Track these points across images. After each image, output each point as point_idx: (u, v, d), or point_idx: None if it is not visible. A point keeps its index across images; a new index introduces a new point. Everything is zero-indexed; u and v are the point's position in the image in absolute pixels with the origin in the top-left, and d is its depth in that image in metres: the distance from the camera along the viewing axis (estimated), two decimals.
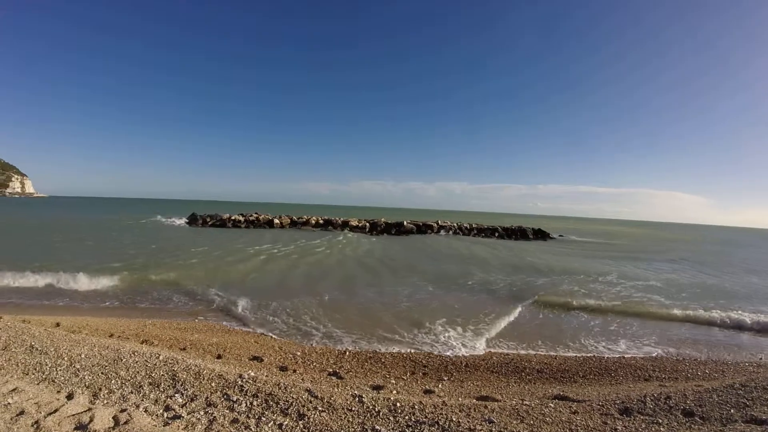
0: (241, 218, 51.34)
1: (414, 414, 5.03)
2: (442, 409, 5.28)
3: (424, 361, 9.09)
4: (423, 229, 50.44)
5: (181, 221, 54.17)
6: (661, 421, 5.36)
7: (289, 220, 51.42)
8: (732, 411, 5.63)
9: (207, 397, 4.96)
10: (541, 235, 55.69)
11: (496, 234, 52.49)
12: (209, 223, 49.73)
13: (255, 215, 54.14)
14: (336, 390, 5.72)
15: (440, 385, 7.54)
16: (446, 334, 11.29)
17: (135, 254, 23.79)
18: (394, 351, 9.63)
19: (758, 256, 45.82)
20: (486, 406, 5.61)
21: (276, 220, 50.54)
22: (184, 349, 8.51)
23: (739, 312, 15.15)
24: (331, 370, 8.05)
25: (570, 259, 32.04)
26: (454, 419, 5.01)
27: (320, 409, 4.89)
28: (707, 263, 34.64)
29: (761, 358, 10.83)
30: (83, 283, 15.19)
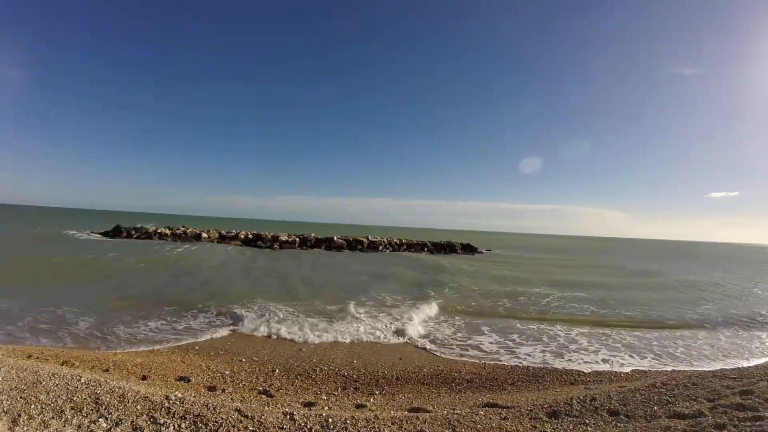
0: (168, 231, 49.76)
1: (347, 429, 5.04)
2: (374, 423, 5.31)
3: (355, 376, 9.06)
4: (353, 244, 50.20)
5: (97, 235, 51.38)
6: (588, 421, 5.60)
7: (217, 234, 50.17)
8: (655, 408, 5.96)
9: (133, 421, 4.76)
10: (469, 249, 57.67)
11: (426, 249, 53.60)
12: (134, 236, 47.91)
13: (183, 229, 52.61)
14: (267, 408, 5.62)
15: (372, 399, 7.56)
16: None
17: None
18: (324, 368, 9.59)
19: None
20: (418, 418, 5.68)
21: (204, 234, 49.22)
22: (107, 370, 8.12)
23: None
24: (261, 388, 7.90)
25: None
26: None
27: (251, 428, 4.80)
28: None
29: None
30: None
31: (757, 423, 5.02)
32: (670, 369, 10.73)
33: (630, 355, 11.92)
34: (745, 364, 11.01)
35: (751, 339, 14.46)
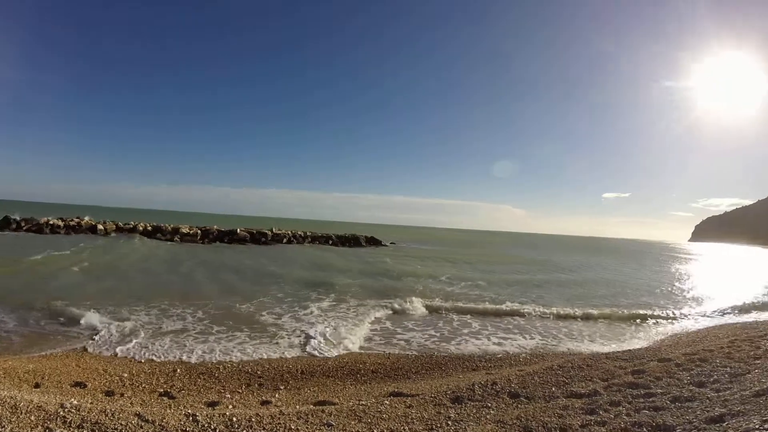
0: (61, 223, 46.72)
1: (251, 427, 5.06)
2: (280, 418, 5.37)
3: (259, 372, 9.02)
4: (257, 237, 49.46)
5: None
6: (490, 404, 5.95)
7: (114, 226, 47.67)
8: (554, 389, 6.43)
9: None
10: (373, 242, 58.80)
11: (330, 242, 54.03)
12: (24, 228, 44.52)
13: (77, 220, 49.56)
14: (168, 411, 5.55)
15: (277, 395, 7.59)
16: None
17: None
18: (227, 361, 9.51)
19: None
20: (324, 411, 5.79)
21: (100, 226, 46.50)
22: None
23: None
24: (162, 390, 7.71)
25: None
26: (293, 427, 5.11)
27: None
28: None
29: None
30: None
31: (650, 399, 5.53)
32: (562, 350, 11.58)
33: (523, 337, 12.99)
34: (619, 345, 12.05)
35: (630, 322, 15.93)
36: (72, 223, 47.72)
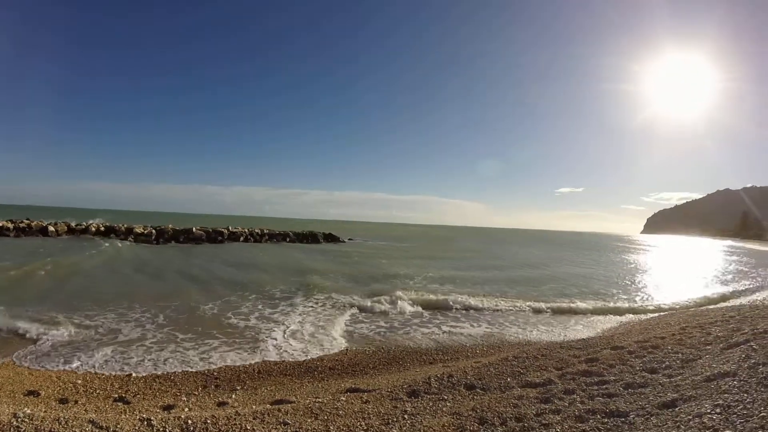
0: (10, 225, 45.08)
1: (207, 429, 5.10)
2: (235, 419, 5.41)
3: (216, 373, 8.99)
4: (213, 236, 48.67)
5: None
6: (446, 397, 6.11)
7: (66, 228, 46.29)
8: (509, 379, 6.64)
9: None
10: (331, 239, 59.28)
11: (288, 239, 54.40)
12: None
13: (27, 221, 47.92)
14: (123, 417, 5.55)
15: (234, 396, 7.62)
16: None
17: None
18: (187, 369, 9.33)
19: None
20: (280, 409, 5.84)
21: (51, 228, 45.06)
22: None
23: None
24: (117, 395, 7.63)
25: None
26: (249, 427, 5.17)
27: None
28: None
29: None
30: None
31: (603, 386, 5.77)
32: (511, 339, 11.95)
33: (471, 325, 13.61)
34: (575, 334, 12.43)
35: (581, 312, 16.48)
36: (22, 225, 46.10)
